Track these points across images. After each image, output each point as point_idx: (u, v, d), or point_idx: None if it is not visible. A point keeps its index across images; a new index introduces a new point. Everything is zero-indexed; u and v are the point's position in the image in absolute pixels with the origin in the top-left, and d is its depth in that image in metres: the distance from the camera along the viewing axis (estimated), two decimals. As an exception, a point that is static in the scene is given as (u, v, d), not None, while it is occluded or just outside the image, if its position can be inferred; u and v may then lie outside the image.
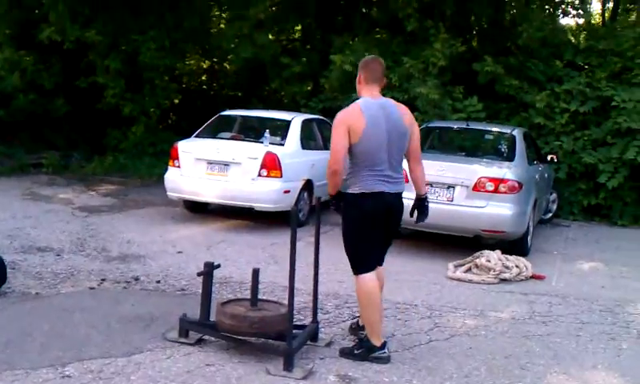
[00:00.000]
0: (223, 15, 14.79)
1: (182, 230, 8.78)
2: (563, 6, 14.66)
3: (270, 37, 14.30)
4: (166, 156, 10.28)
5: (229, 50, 14.07)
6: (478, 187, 7.70)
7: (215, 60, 16.53)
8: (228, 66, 16.46)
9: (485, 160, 8.45)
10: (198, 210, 9.84)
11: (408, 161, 4.56)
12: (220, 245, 8.03)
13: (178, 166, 9.21)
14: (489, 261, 7.27)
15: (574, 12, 14.64)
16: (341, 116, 4.40)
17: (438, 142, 9.66)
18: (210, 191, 9.01)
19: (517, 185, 7.71)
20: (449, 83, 12.78)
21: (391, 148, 4.34)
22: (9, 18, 13.34)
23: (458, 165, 8.12)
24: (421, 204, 4.69)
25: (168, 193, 9.37)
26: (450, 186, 7.82)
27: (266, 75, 14.44)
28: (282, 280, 6.02)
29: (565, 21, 15.45)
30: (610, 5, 17.65)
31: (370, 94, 4.46)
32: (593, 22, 15.63)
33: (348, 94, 12.87)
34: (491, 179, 7.69)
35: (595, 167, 11.49)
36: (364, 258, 4.45)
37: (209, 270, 4.65)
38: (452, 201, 7.80)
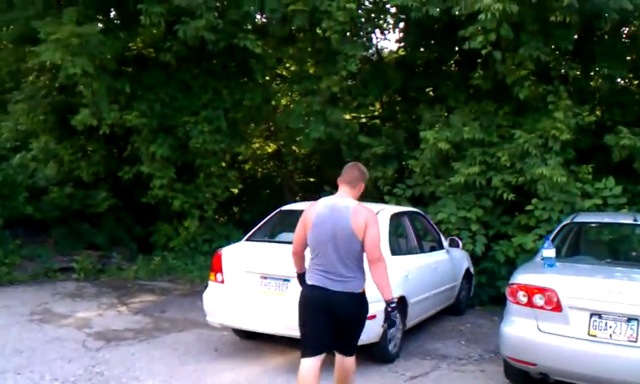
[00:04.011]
0: (291, 91, 12.64)
1: (224, 373, 6.19)
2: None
3: (347, 116, 11.93)
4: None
5: (297, 131, 11.82)
6: (679, 320, 4.83)
7: (282, 143, 14.28)
8: (297, 149, 14.17)
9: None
10: (253, 337, 7.27)
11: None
12: (276, 404, 5.39)
13: (222, 281, 6.71)
14: None
15: None
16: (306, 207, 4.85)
17: (593, 246, 6.75)
18: (264, 317, 6.39)
19: None
20: (572, 161, 10.01)
21: (338, 247, 4.49)
22: (45, 102, 11.52)
23: (642, 283, 5.27)
24: (385, 310, 4.54)
25: (208, 318, 6.84)
26: (632, 319, 4.96)
27: (342, 158, 12.01)
28: None
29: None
30: None
31: (338, 193, 4.71)
32: None
33: (444, 177, 10.33)
34: (702, 307, 4.81)
35: None
36: (304, 343, 4.62)
37: None
38: (636, 341, 4.93)
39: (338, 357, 4.72)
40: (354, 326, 4.67)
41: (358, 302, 4.57)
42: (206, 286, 7.11)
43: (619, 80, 11.12)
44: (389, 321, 4.53)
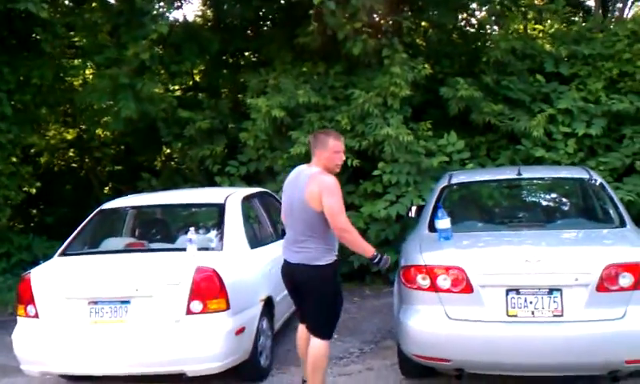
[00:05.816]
0: (88, 64, 10.71)
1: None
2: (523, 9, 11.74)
3: (158, 89, 10.29)
4: (25, 270, 5.93)
5: (102, 110, 10.00)
6: (605, 285, 4.21)
7: (83, 127, 12.23)
8: (102, 133, 12.23)
9: (586, 231, 4.95)
10: (86, 377, 5.63)
11: None
12: None
13: (35, 315, 5.04)
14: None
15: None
16: None
17: (482, 209, 5.99)
18: (99, 356, 4.88)
19: (665, 270, 4.27)
20: (410, 119, 9.45)
21: (294, 217, 4.44)
22: None
23: (561, 248, 4.59)
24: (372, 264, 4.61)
25: (22, 366, 5.14)
26: (554, 290, 4.27)
27: (159, 138, 10.46)
28: None
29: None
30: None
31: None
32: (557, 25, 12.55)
33: (282, 148, 9.28)
34: (627, 266, 4.22)
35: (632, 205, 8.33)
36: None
37: None
38: (562, 315, 4.25)
39: (310, 337, 4.51)
40: (312, 299, 4.45)
41: (314, 274, 4.35)
42: (11, 317, 5.39)
43: (449, 29, 10.78)
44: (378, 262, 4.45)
